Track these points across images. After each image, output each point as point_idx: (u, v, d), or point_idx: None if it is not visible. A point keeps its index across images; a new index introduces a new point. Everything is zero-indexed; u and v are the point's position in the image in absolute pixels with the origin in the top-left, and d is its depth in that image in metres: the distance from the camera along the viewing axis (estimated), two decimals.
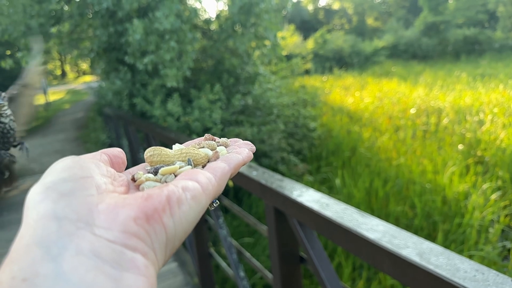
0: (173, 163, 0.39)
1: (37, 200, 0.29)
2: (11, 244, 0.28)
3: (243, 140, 0.50)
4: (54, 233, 0.26)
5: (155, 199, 0.29)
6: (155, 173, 0.37)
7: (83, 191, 0.29)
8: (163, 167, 0.38)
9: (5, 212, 5.15)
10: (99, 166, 0.34)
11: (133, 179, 0.37)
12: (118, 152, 0.41)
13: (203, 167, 0.41)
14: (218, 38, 6.43)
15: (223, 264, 2.72)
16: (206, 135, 0.50)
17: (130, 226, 0.27)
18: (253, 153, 0.45)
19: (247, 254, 2.37)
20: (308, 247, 1.77)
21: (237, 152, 0.43)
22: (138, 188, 0.36)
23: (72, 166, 0.32)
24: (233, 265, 2.44)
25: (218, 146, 0.46)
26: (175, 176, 0.37)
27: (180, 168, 0.38)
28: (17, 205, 4.66)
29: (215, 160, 0.41)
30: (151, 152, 0.40)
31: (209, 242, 2.96)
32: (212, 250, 2.90)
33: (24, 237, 0.27)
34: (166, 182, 0.36)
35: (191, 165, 0.39)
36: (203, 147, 0.45)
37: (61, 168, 0.31)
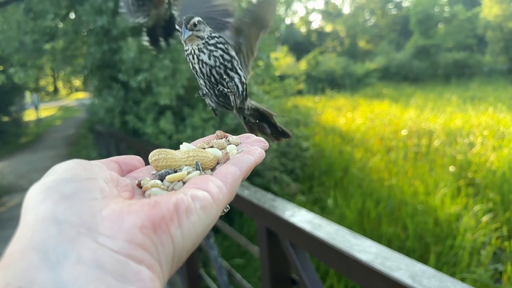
0: (180, 168, 0.37)
1: (37, 200, 0.27)
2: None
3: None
4: (54, 238, 0.24)
5: (163, 207, 0.27)
6: (162, 179, 0.35)
7: (86, 194, 0.27)
8: (169, 173, 0.36)
9: None
10: (102, 169, 0.32)
11: (139, 185, 0.35)
12: (132, 160, 0.39)
13: (212, 170, 0.38)
14: None
15: (213, 286, 2.67)
16: (218, 132, 0.47)
17: (135, 236, 0.25)
18: None
19: (238, 276, 2.32)
20: (300, 269, 1.75)
21: (248, 152, 0.40)
22: (143, 194, 0.34)
23: (75, 167, 0.30)
24: (224, 287, 2.39)
25: (228, 145, 0.44)
26: (183, 183, 0.35)
27: (188, 173, 0.36)
28: (4, 222, 4.55)
29: (225, 161, 0.39)
30: (156, 156, 0.37)
31: (199, 263, 2.90)
32: (202, 271, 2.85)
33: (21, 240, 0.25)
34: (173, 189, 0.34)
35: (199, 169, 0.37)
36: (212, 146, 0.43)
37: (64, 169, 0.30)
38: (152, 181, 0.34)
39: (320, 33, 41.07)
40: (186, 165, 0.37)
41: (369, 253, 1.35)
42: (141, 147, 4.00)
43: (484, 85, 19.14)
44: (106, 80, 6.38)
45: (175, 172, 0.36)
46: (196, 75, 0.70)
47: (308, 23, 42.21)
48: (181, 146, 0.41)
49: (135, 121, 5.73)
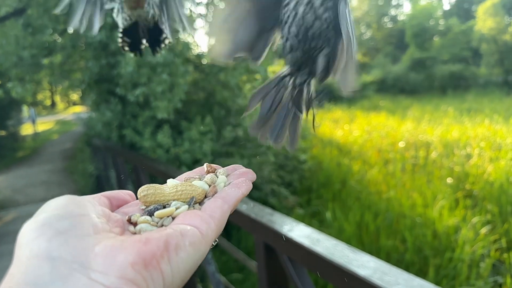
0: (168, 204, 0.37)
1: (31, 237, 0.27)
2: None
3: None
4: (47, 275, 0.24)
5: (153, 243, 0.28)
6: (151, 214, 0.35)
7: (79, 230, 0.28)
8: (158, 208, 0.36)
9: None
10: (94, 205, 0.33)
11: (129, 220, 0.35)
12: (124, 195, 0.39)
13: (200, 203, 0.39)
14: (210, 72, 6.54)
15: None
16: (207, 165, 0.47)
17: (127, 272, 0.26)
18: None
19: None
20: (299, 284, 1.73)
21: (236, 185, 0.41)
22: (134, 227, 0.34)
23: (68, 204, 0.30)
24: None
25: (219, 175, 0.44)
26: (173, 218, 0.35)
27: (176, 209, 0.36)
28: None
29: (213, 195, 0.40)
30: (145, 192, 0.37)
31: (196, 278, 2.87)
32: (199, 286, 2.82)
33: (15, 276, 0.25)
34: (163, 225, 0.34)
35: (190, 204, 0.37)
36: (199, 179, 0.43)
37: (57, 205, 0.30)
38: (142, 217, 0.35)
39: None
40: (174, 200, 0.38)
41: (368, 268, 1.34)
42: (138, 161, 4.00)
43: (480, 97, 19.29)
44: (104, 94, 6.40)
45: (164, 207, 0.37)
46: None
47: None
48: (168, 181, 0.42)
49: (132, 135, 5.73)
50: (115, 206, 0.38)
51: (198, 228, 0.32)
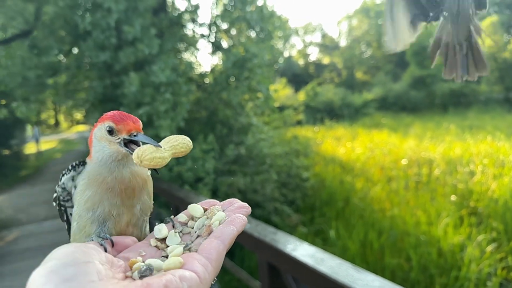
0: (165, 249, 0.42)
1: (40, 283, 0.29)
2: None
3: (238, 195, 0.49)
4: None
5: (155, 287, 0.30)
6: (150, 270, 0.36)
7: (85, 276, 0.29)
8: (151, 269, 0.37)
9: None
10: (99, 252, 0.35)
11: (131, 266, 0.37)
12: (126, 240, 0.43)
13: (191, 243, 0.42)
14: (213, 91, 6.60)
15: None
16: (204, 203, 0.50)
17: None
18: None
19: None
20: None
21: (231, 222, 0.42)
22: (136, 274, 0.36)
23: (74, 251, 0.32)
24: None
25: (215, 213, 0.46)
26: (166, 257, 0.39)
27: (170, 253, 0.39)
28: (0, 258, 4.45)
29: (208, 234, 0.41)
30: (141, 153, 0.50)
31: None
32: None
33: None
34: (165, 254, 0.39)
35: (187, 248, 0.40)
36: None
37: (64, 253, 0.32)
38: (148, 261, 0.38)
39: (318, 65, 41.87)
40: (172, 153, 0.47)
41: (373, 287, 1.33)
42: None
43: (481, 114, 19.34)
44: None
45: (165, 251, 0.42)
46: None
47: (306, 55, 43.11)
48: (189, 206, 0.49)
49: None
50: (117, 251, 0.40)
51: (196, 273, 0.33)
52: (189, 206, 0.49)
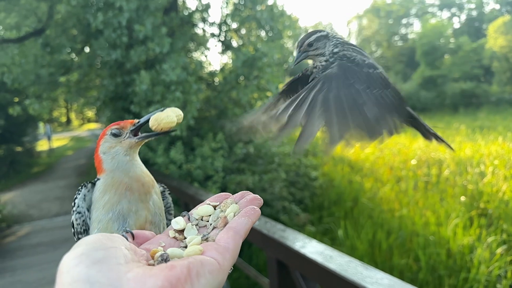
0: (184, 239, 0.44)
1: (71, 265, 0.31)
2: None
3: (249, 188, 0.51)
4: None
5: (178, 270, 0.32)
6: (166, 260, 0.38)
7: (113, 259, 0.32)
8: (165, 257, 0.39)
9: (0, 258, 5.04)
10: (123, 240, 0.37)
11: (152, 255, 0.39)
12: (146, 233, 0.45)
13: (214, 228, 0.44)
14: (222, 89, 6.63)
15: None
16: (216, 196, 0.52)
17: None
18: None
19: None
20: None
21: (245, 214, 0.44)
22: (153, 259, 0.38)
23: (102, 238, 0.35)
24: None
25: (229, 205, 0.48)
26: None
27: (189, 242, 0.41)
28: (12, 252, 4.54)
29: (224, 225, 0.43)
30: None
31: None
32: None
33: None
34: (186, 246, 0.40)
35: (204, 238, 0.42)
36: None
37: (92, 239, 0.35)
38: (169, 249, 0.40)
39: None
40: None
41: (382, 285, 1.34)
42: None
43: (492, 115, 19.10)
44: (118, 111, 6.53)
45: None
46: None
47: None
48: (199, 206, 0.51)
49: (146, 151, 5.81)
50: (138, 244, 0.43)
51: (216, 259, 0.35)
52: (199, 208, 0.51)
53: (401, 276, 4.52)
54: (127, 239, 0.42)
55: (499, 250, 4.81)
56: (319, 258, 1.60)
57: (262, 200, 0.49)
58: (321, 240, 5.40)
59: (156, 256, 0.38)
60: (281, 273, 1.96)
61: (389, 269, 4.65)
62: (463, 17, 38.62)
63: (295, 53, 0.62)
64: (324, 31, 0.61)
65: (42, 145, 16.38)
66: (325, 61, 0.60)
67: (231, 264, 0.37)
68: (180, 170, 5.75)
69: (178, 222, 0.47)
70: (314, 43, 0.60)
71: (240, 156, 6.49)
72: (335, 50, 0.60)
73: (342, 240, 5.50)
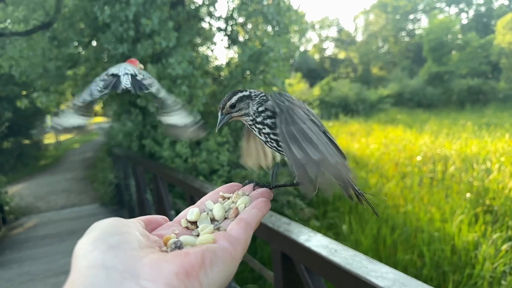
0: (197, 227, 0.44)
1: (87, 250, 0.32)
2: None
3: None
4: (103, 282, 0.29)
5: (193, 257, 0.33)
6: (179, 247, 0.39)
7: (128, 245, 0.33)
8: (178, 244, 0.39)
9: (8, 250, 5.11)
10: (136, 225, 0.38)
11: (165, 242, 0.40)
12: (158, 219, 0.45)
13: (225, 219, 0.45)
14: (228, 84, 6.63)
15: None
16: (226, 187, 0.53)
17: (172, 280, 0.30)
18: None
19: None
20: None
21: (256, 206, 0.46)
22: (166, 246, 0.39)
23: (116, 223, 0.36)
24: None
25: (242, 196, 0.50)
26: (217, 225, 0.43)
27: (201, 231, 0.42)
28: (20, 243, 4.61)
29: (235, 216, 0.44)
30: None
31: None
32: None
33: (75, 283, 0.30)
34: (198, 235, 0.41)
35: (216, 227, 0.43)
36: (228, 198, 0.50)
37: (106, 224, 0.35)
38: (182, 237, 0.41)
39: (334, 60, 41.48)
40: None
41: (387, 279, 1.35)
42: (157, 170, 4.07)
43: (500, 111, 18.93)
44: (125, 105, 6.56)
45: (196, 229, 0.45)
46: None
47: (321, 50, 42.75)
48: (207, 203, 0.50)
49: (152, 144, 5.85)
50: (150, 230, 0.43)
51: (228, 249, 0.36)
52: (206, 204, 0.51)
53: (405, 271, 4.51)
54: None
55: (504, 247, 4.80)
56: (323, 252, 1.61)
57: (273, 193, 0.51)
58: (325, 235, 5.41)
59: (170, 243, 0.38)
60: (285, 266, 1.97)
61: (393, 265, 4.66)
62: (471, 13, 38.19)
63: (219, 116, 0.62)
64: (246, 90, 0.62)
65: (50, 138, 16.49)
66: (251, 120, 0.60)
67: (242, 254, 0.38)
68: (186, 164, 5.78)
69: (194, 212, 0.48)
70: (236, 104, 0.61)
71: None
72: (260, 108, 0.60)
73: (347, 235, 5.52)
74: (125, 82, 1.18)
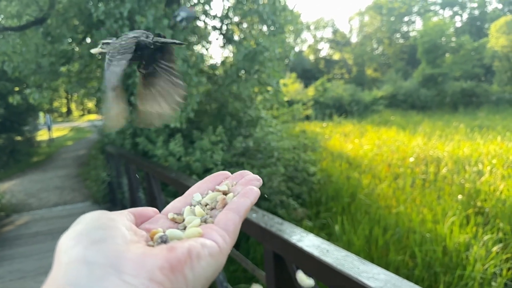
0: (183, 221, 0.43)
1: (70, 245, 0.31)
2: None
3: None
4: (85, 277, 0.28)
5: (178, 251, 0.32)
6: (165, 242, 0.38)
7: (112, 239, 0.32)
8: (163, 239, 0.38)
9: None
10: (123, 219, 0.37)
11: (152, 236, 0.39)
12: (148, 211, 0.44)
13: (213, 208, 0.43)
14: (223, 83, 6.62)
15: None
16: (215, 176, 0.51)
17: (156, 275, 0.29)
18: None
19: None
20: None
21: (244, 194, 0.43)
22: (152, 241, 0.38)
23: (101, 217, 0.35)
24: None
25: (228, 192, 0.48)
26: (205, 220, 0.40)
27: (188, 224, 0.41)
28: (11, 241, 4.56)
29: (223, 206, 0.43)
30: None
31: None
32: None
33: (56, 279, 0.29)
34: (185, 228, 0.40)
35: (203, 219, 0.41)
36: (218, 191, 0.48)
37: (91, 218, 0.34)
38: (168, 231, 0.39)
39: (328, 61, 41.62)
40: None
41: (378, 280, 1.36)
42: (150, 168, 4.06)
43: (492, 114, 19.11)
44: None
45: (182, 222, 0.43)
46: None
47: (316, 51, 42.86)
48: (194, 195, 0.47)
49: (145, 143, 5.82)
50: (139, 223, 0.41)
51: (216, 242, 0.35)
52: (194, 196, 0.50)
53: (397, 272, 4.55)
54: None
55: (494, 248, 4.85)
56: (315, 252, 1.61)
57: (261, 180, 0.49)
58: (318, 235, 5.43)
59: (156, 238, 0.37)
60: (277, 266, 1.97)
61: (385, 265, 4.68)
62: (465, 16, 38.51)
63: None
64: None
65: (42, 135, 16.37)
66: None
67: (231, 246, 0.37)
68: (179, 162, 5.76)
69: (180, 203, 0.47)
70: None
71: (240, 150, 6.50)
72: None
73: (339, 235, 5.54)
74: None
